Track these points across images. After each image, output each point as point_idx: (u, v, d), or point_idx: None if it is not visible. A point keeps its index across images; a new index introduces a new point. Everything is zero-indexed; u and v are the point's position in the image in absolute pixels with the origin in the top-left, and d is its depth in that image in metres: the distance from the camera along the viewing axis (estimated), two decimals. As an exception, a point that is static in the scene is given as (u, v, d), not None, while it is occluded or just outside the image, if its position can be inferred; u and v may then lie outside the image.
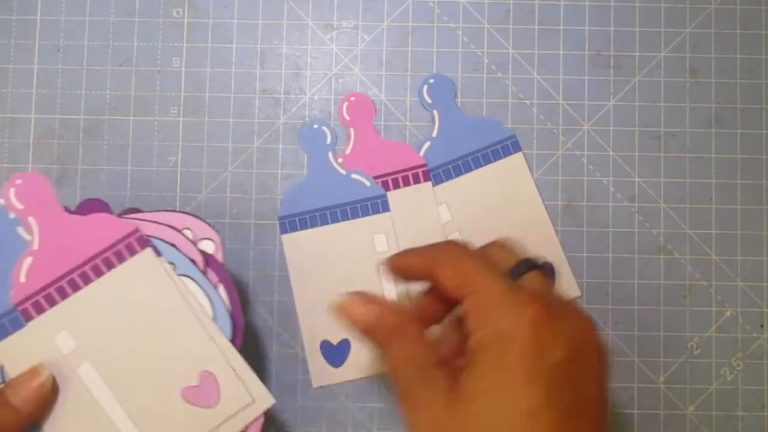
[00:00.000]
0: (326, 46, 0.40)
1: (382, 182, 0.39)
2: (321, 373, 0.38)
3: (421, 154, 0.40)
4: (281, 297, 0.39)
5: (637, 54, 0.40)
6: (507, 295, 0.25)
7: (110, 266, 0.31)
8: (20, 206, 0.31)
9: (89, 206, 0.33)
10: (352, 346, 0.38)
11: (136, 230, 0.32)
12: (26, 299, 0.30)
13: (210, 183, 0.39)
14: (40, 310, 0.30)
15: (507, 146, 0.40)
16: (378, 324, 0.27)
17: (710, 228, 0.40)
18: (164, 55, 0.40)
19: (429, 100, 0.40)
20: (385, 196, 0.39)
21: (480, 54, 0.40)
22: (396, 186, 0.39)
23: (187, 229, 0.33)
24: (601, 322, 0.39)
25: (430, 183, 0.39)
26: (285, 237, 0.39)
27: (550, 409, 0.23)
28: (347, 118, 0.40)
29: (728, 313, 0.40)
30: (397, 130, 0.40)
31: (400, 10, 0.41)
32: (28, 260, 0.31)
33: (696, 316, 0.39)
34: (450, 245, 0.29)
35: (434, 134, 0.40)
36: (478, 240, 0.39)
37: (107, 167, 0.39)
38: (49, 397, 0.28)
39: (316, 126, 0.40)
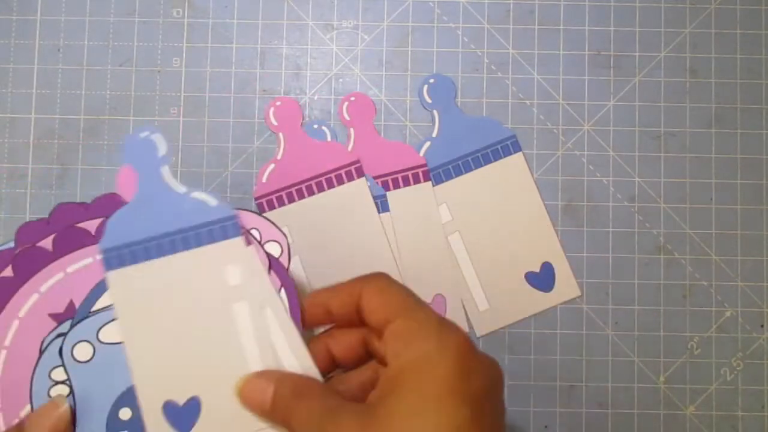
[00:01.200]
0: (326, 46, 0.40)
1: (382, 182, 0.39)
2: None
3: (421, 154, 0.40)
4: (281, 297, 0.39)
5: (637, 54, 0.40)
6: (432, 322, 0.26)
7: (330, 185, 0.39)
8: (275, 123, 0.39)
9: (104, 201, 0.33)
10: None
11: (358, 161, 0.39)
12: (263, 196, 0.39)
13: (210, 183, 0.39)
14: (271, 206, 0.38)
15: (507, 146, 0.40)
16: (277, 396, 0.27)
17: (710, 228, 0.40)
18: (164, 55, 0.40)
19: (429, 100, 0.40)
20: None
21: (480, 54, 0.40)
22: (396, 186, 0.39)
23: (255, 229, 0.32)
24: (601, 322, 0.39)
25: (430, 183, 0.39)
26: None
27: (474, 428, 0.23)
28: (347, 118, 0.40)
29: (728, 313, 0.40)
30: (397, 130, 0.40)
31: (400, 10, 0.41)
32: (271, 166, 0.39)
33: (696, 316, 0.39)
34: (378, 276, 0.29)
35: (434, 134, 0.40)
36: (477, 240, 0.39)
37: (107, 167, 0.39)
38: (64, 427, 0.28)
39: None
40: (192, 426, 0.30)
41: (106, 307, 0.30)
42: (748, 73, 0.40)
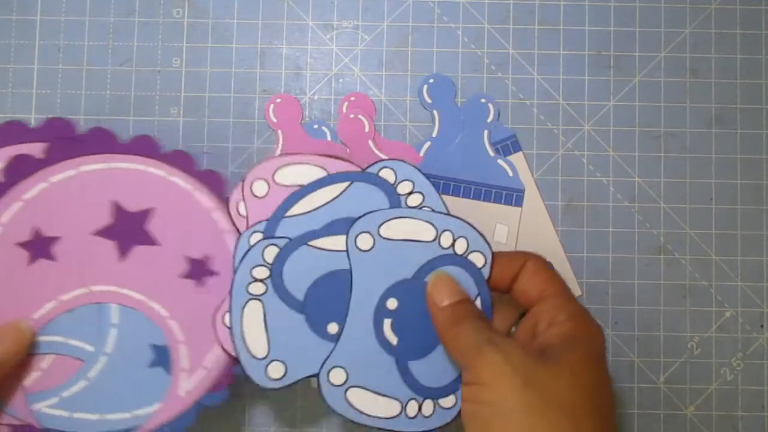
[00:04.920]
0: (326, 46, 0.40)
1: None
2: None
3: (421, 154, 0.40)
4: (281, 297, 0.39)
5: (637, 54, 0.41)
6: (584, 309, 0.31)
7: None
8: (274, 120, 0.39)
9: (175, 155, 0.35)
10: None
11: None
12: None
13: (210, 183, 0.39)
14: None
15: (507, 146, 0.40)
16: (460, 304, 0.31)
17: (710, 228, 0.40)
18: (164, 55, 0.40)
19: (429, 100, 0.40)
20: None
21: (480, 54, 0.40)
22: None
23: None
24: (601, 322, 0.39)
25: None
26: None
27: (612, 400, 0.29)
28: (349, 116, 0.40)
29: (728, 313, 0.40)
30: (397, 130, 0.40)
31: (400, 10, 0.41)
32: None
33: (696, 316, 0.39)
34: (539, 256, 0.33)
35: (434, 134, 0.40)
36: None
37: (107, 167, 0.39)
38: (23, 339, 0.32)
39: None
40: None
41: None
42: (748, 73, 0.41)
